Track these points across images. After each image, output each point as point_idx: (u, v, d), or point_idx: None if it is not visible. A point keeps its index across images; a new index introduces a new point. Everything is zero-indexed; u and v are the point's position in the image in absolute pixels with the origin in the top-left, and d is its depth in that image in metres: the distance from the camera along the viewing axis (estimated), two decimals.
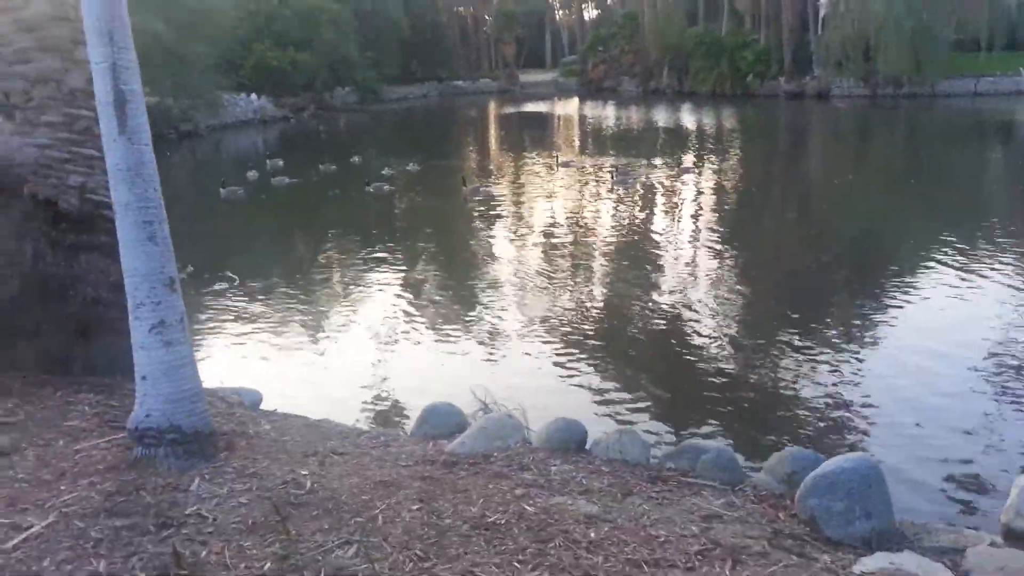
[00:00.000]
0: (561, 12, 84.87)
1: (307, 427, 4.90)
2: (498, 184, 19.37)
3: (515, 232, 14.07)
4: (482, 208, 16.07)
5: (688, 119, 37.51)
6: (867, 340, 8.02)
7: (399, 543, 3.12)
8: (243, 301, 9.84)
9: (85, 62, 4.80)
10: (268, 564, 2.93)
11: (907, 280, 10.20)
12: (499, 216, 15.29)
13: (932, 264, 10.83)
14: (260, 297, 10.05)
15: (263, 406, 5.44)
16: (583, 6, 77.27)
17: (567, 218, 15.34)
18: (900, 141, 29.40)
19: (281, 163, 22.08)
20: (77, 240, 5.06)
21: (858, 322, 8.74)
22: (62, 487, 3.52)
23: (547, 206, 16.72)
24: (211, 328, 8.86)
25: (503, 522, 3.37)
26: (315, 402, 5.98)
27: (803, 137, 32.10)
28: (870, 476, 3.68)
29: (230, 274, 10.65)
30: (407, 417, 5.73)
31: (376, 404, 6.37)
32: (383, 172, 19.96)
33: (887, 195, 17.55)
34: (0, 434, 4.13)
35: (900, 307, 9.15)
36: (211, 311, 9.44)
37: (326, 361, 7.81)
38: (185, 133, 31.73)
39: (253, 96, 40.27)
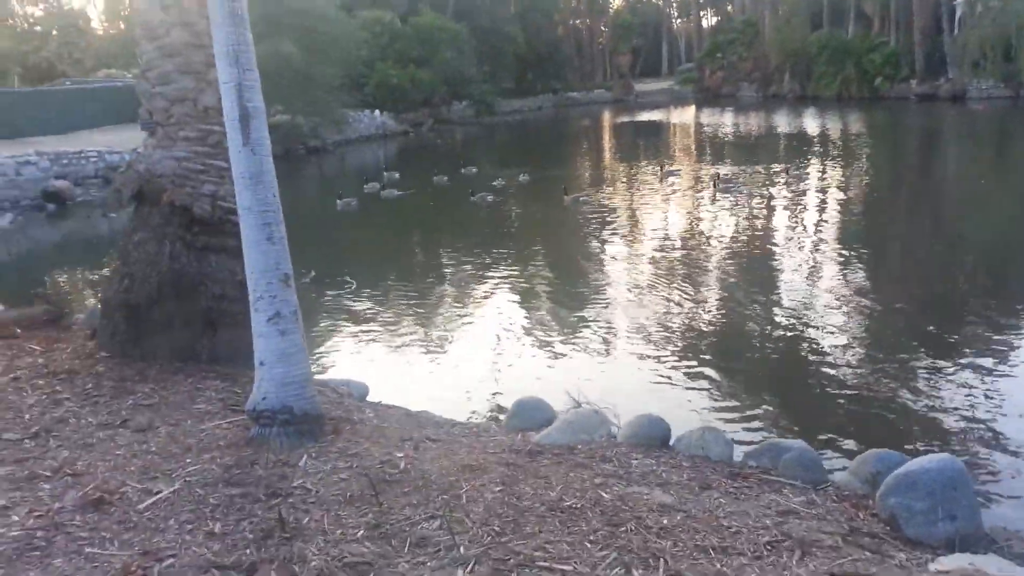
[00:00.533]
0: (679, 20, 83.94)
1: (407, 416, 5.24)
2: (601, 193, 19.48)
3: (612, 240, 14.14)
4: (582, 217, 16.23)
5: (811, 124, 36.27)
6: (987, 353, 7.62)
7: (479, 519, 3.36)
8: (358, 303, 10.42)
9: (217, 82, 5.38)
10: (361, 531, 3.23)
11: None
12: (598, 225, 15.39)
13: None
14: (373, 299, 10.61)
15: (369, 397, 5.84)
16: (702, 13, 76.09)
17: (666, 227, 15.26)
18: None
19: (397, 175, 22.97)
20: (208, 242, 5.62)
21: (980, 334, 8.31)
22: (187, 460, 3.97)
23: (648, 215, 16.67)
24: (328, 326, 9.45)
25: (579, 506, 3.55)
26: (417, 396, 6.34)
27: (936, 140, 30.44)
28: (954, 477, 3.62)
29: (348, 278, 11.30)
30: (502, 412, 5.98)
31: (473, 399, 6.67)
32: (494, 183, 20.44)
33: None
34: (138, 414, 4.68)
35: None
36: (329, 311, 10.06)
37: (430, 359, 8.20)
38: (313, 148, 33.53)
39: (376, 112, 42.04)
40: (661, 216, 16.47)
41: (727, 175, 19.99)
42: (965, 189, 18.85)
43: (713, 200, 17.35)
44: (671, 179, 20.74)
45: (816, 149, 27.09)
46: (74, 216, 21.24)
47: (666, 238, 14.16)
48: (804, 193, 18.30)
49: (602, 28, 73.99)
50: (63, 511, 3.36)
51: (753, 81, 58.75)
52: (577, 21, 72.70)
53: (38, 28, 46.72)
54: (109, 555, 3.00)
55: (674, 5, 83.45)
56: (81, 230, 19.86)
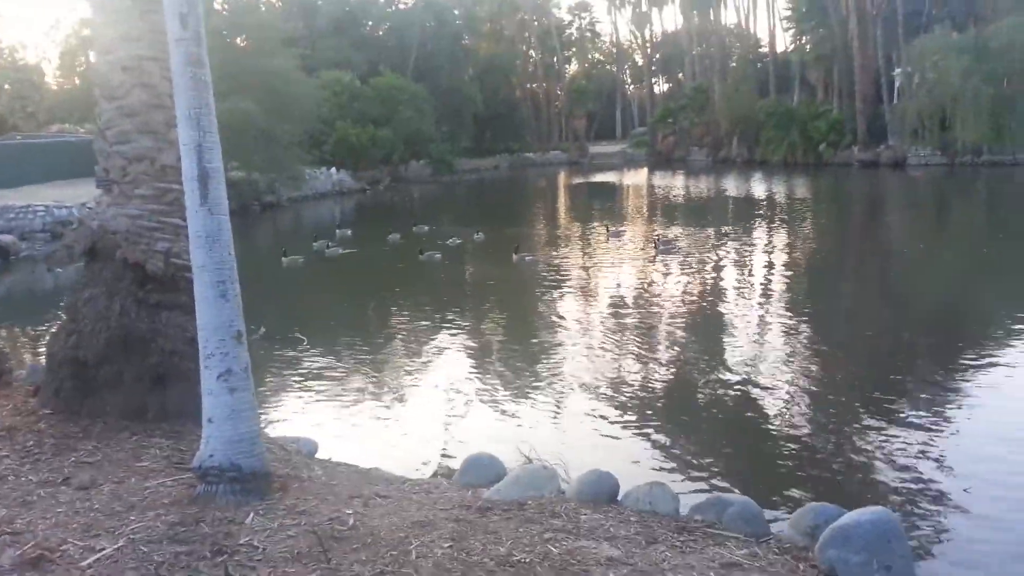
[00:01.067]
0: (632, 86, 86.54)
1: (356, 474, 5.23)
2: (550, 253, 19.81)
3: (560, 299, 14.41)
4: (530, 276, 16.49)
5: (758, 188, 37.46)
6: (926, 411, 7.88)
7: (429, 575, 3.38)
8: (308, 359, 10.35)
9: (176, 142, 5.44)
10: None
11: (979, 354, 9.80)
12: (546, 283, 15.66)
13: (1013, 340, 10.44)
14: (322, 356, 10.56)
15: (318, 454, 5.81)
16: (654, 80, 78.63)
17: (610, 286, 15.55)
18: (977, 209, 28.69)
19: (349, 233, 23.07)
20: (161, 299, 5.61)
21: (919, 393, 8.61)
22: (131, 517, 3.92)
23: (593, 275, 16.96)
24: (277, 382, 9.38)
25: (527, 560, 3.59)
26: (367, 453, 6.33)
27: (877, 206, 31.65)
28: (888, 530, 3.76)
29: (299, 335, 11.23)
30: (453, 468, 5.99)
31: (423, 455, 6.66)
32: (448, 242, 20.62)
33: (962, 264, 17.17)
34: (81, 472, 4.60)
35: (969, 381, 8.80)
36: (278, 367, 9.98)
37: (380, 415, 8.19)
38: (268, 204, 33.48)
39: (333, 170, 42.26)
40: (605, 276, 16.73)
41: (668, 237, 20.43)
42: (904, 252, 19.62)
43: (653, 260, 17.75)
44: (617, 240, 21.15)
45: (761, 212, 27.98)
46: (19, 270, 20.81)
47: (610, 297, 14.47)
48: (747, 254, 18.84)
49: (558, 92, 75.95)
50: (1, 571, 3.29)
51: (704, 146, 60.60)
52: (534, 85, 74.63)
53: None
54: None
55: (627, 72, 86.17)
56: (25, 284, 19.45)
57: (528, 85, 73.42)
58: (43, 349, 11.64)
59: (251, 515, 3.95)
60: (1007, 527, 5.30)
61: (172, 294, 5.67)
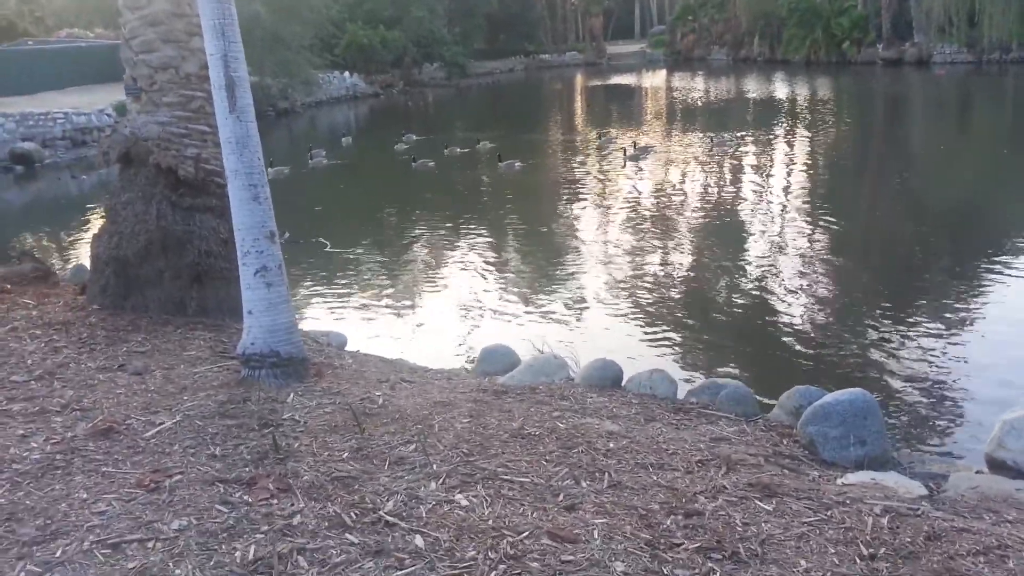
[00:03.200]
0: None
1: (383, 363, 5.69)
2: (539, 159, 19.92)
3: (560, 205, 14.77)
4: (523, 183, 16.80)
5: (780, 89, 36.80)
6: (922, 307, 8.22)
7: (450, 444, 3.83)
8: (332, 262, 10.82)
9: (199, 51, 5.69)
10: (346, 453, 3.68)
11: (995, 258, 9.72)
12: (544, 191, 16.00)
13: None
14: (349, 258, 11.02)
15: (348, 347, 6.27)
16: None
17: (613, 191, 15.77)
18: (1003, 109, 28.16)
19: (350, 140, 23.28)
20: (193, 202, 5.96)
21: (917, 290, 8.93)
22: (184, 397, 4.38)
23: (597, 181, 17.12)
24: (306, 284, 9.87)
25: (537, 433, 4.03)
26: (393, 345, 6.80)
27: (900, 106, 31.11)
28: (864, 408, 4.16)
29: (322, 239, 11.66)
30: (471, 359, 6.45)
31: (445, 348, 7.16)
32: (446, 151, 20.54)
33: (982, 165, 17.09)
34: (134, 359, 5.07)
35: (984, 285, 8.86)
36: (305, 270, 10.47)
37: (405, 312, 8.70)
38: (283, 111, 33.40)
39: (346, 74, 41.81)
40: (608, 182, 16.86)
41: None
42: (924, 154, 19.51)
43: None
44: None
45: (782, 114, 27.61)
46: (43, 177, 21.20)
47: (617, 201, 14.70)
48: (765, 158, 18.85)
49: None
50: (76, 439, 3.77)
51: (724, 44, 59.01)
52: None
53: None
54: (124, 473, 3.42)
55: None
56: (51, 191, 19.88)
57: None
58: (75, 251, 12.18)
59: (291, 395, 4.40)
60: (988, 417, 5.65)
61: (203, 198, 6.02)
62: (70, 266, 9.48)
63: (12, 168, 21.61)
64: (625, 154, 18.63)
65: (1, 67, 29.15)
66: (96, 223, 9.66)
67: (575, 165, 19.42)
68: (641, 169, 17.65)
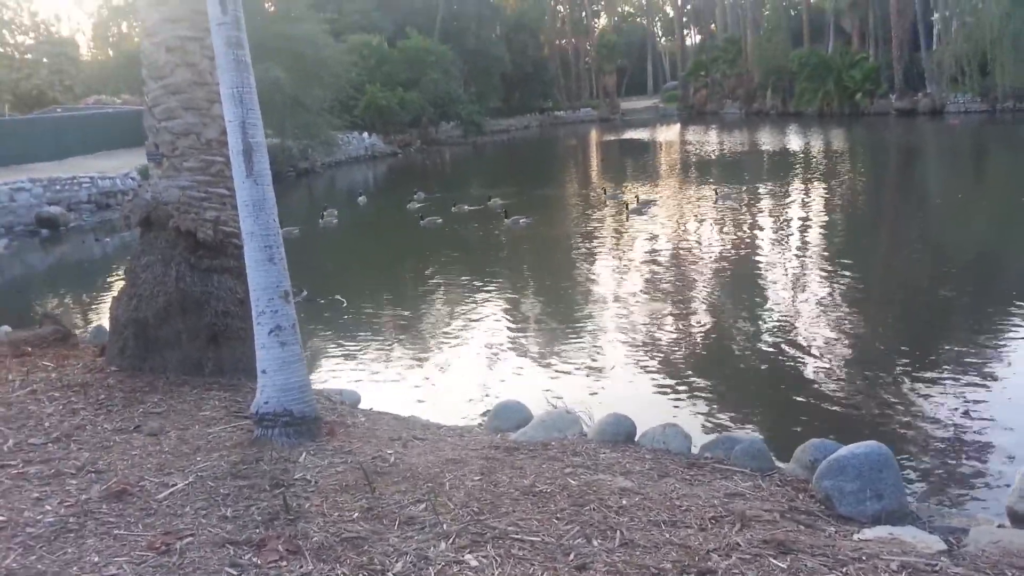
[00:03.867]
0: (663, 39, 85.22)
1: (395, 420, 5.70)
2: (549, 214, 20.16)
3: (572, 260, 14.90)
4: (531, 239, 17.03)
5: (793, 141, 37.06)
6: (937, 359, 8.12)
7: (460, 502, 3.81)
8: (345, 320, 10.91)
9: (219, 117, 5.87)
10: (356, 514, 3.68)
11: (1014, 309, 9.61)
12: (544, 244, 16.16)
13: None
14: (364, 316, 11.11)
15: (361, 405, 6.29)
16: (685, 32, 77.37)
17: (627, 244, 15.87)
18: (1019, 157, 28.14)
19: (366, 199, 23.69)
20: (211, 264, 6.08)
21: (933, 341, 8.84)
22: (198, 458, 4.41)
23: (609, 235, 17.25)
24: (320, 341, 9.94)
25: (548, 491, 4.01)
26: (406, 402, 6.81)
27: (915, 156, 31.22)
28: (880, 461, 4.09)
29: (339, 297, 11.78)
30: (484, 415, 6.44)
31: (458, 404, 7.16)
32: (454, 209, 20.86)
33: (1001, 214, 17.02)
34: (150, 420, 5.12)
35: (1003, 337, 8.77)
36: (321, 328, 10.55)
37: (418, 369, 8.73)
38: (303, 171, 34.13)
39: (365, 134, 42.71)
40: (622, 235, 16.97)
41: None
42: (941, 203, 19.47)
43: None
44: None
45: (797, 165, 27.79)
46: (68, 241, 21.66)
47: (632, 254, 14.78)
48: (782, 208, 18.92)
49: (588, 47, 75.14)
50: (90, 501, 3.79)
51: (736, 98, 59.84)
52: (563, 41, 73.89)
53: (29, 56, 47.25)
54: (135, 535, 3.44)
55: (658, 24, 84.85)
56: (75, 254, 20.28)
57: (557, 42, 72.75)
58: (95, 313, 12.37)
59: (303, 454, 4.41)
60: (1009, 468, 5.56)
61: (221, 259, 6.14)
62: (91, 328, 9.64)
63: (38, 232, 22.12)
64: (627, 208, 18.84)
65: (32, 134, 30.10)
66: (117, 285, 9.84)
67: (584, 219, 19.62)
68: (645, 219, 17.83)
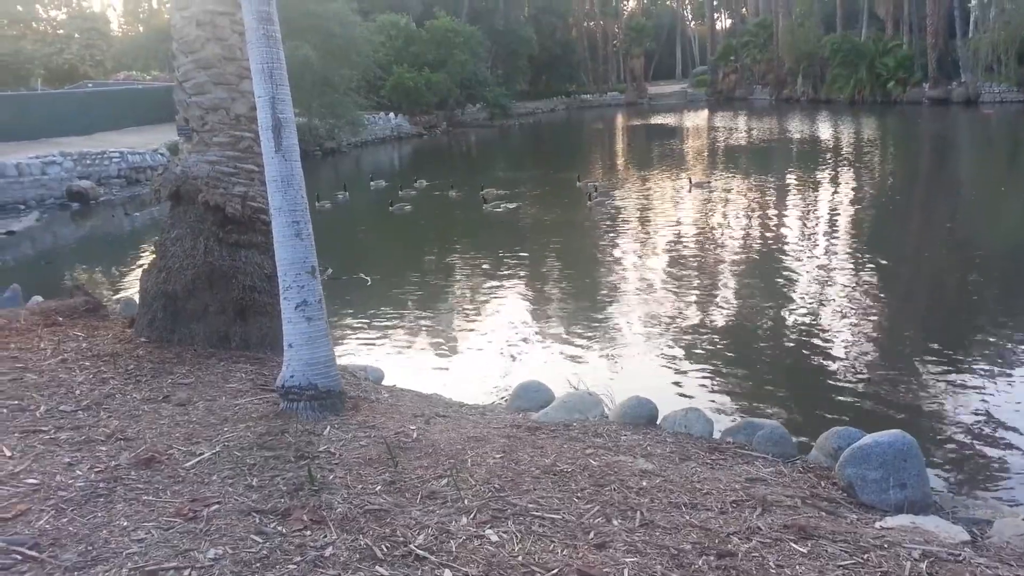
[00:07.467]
0: (693, 23, 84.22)
1: (419, 397, 5.74)
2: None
3: (605, 241, 14.76)
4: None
5: (824, 129, 36.54)
6: (982, 352, 8.00)
7: (482, 479, 3.84)
8: (372, 298, 10.99)
9: (248, 93, 5.89)
10: (379, 487, 3.72)
11: None
12: (556, 229, 16.08)
13: None
14: (389, 295, 11.19)
15: (384, 382, 6.34)
16: (716, 16, 76.39)
17: (658, 227, 15.77)
18: None
19: (383, 183, 23.65)
20: (239, 239, 6.13)
21: (960, 332, 8.72)
22: (225, 429, 4.47)
23: (643, 214, 17.17)
24: (346, 317, 10.03)
25: (569, 470, 4.03)
26: (429, 380, 6.86)
27: (949, 146, 30.67)
28: (904, 450, 4.07)
29: (363, 275, 11.87)
30: (506, 395, 6.48)
31: (481, 383, 7.21)
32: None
33: None
34: (178, 391, 5.20)
35: None
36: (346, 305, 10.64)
37: (441, 347, 8.79)
38: (329, 150, 34.24)
39: (391, 115, 42.73)
40: (655, 216, 16.91)
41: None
42: (975, 195, 19.14)
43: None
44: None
45: (827, 154, 27.41)
46: (98, 214, 21.94)
47: (660, 237, 14.70)
48: (811, 198, 18.72)
49: (616, 30, 74.47)
50: (119, 467, 3.86)
51: (766, 84, 59.07)
52: (591, 24, 73.26)
53: (61, 31, 47.72)
54: (163, 502, 3.50)
55: (688, 7, 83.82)
56: (105, 228, 20.55)
57: (585, 24, 72.13)
58: (125, 286, 12.56)
59: (328, 428, 4.46)
60: None
61: (249, 234, 6.19)
62: (120, 299, 9.79)
63: (69, 205, 22.43)
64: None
65: (63, 108, 30.42)
66: (145, 259, 9.97)
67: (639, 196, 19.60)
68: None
